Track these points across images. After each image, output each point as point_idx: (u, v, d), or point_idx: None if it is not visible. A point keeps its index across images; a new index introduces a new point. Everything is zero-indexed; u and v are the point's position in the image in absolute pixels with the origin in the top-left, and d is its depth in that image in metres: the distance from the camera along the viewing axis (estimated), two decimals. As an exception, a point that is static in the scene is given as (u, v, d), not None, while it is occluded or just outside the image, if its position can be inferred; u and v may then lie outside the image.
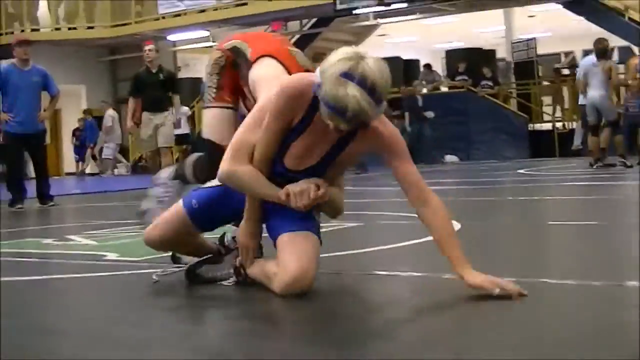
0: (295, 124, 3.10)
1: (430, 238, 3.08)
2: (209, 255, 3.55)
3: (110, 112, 20.24)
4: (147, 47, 10.80)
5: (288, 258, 3.11)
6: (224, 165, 3.16)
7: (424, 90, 19.84)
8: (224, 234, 3.56)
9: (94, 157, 21.21)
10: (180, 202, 3.49)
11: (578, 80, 12.29)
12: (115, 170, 20.57)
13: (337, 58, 2.85)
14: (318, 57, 11.90)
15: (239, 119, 3.59)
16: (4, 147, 9.71)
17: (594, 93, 11.58)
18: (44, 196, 9.68)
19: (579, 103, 12.91)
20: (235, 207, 3.34)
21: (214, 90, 3.66)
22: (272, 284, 3.15)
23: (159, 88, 10.65)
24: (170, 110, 10.65)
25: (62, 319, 3.10)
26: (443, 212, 3.03)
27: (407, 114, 18.05)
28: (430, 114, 18.15)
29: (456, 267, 2.89)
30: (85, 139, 21.01)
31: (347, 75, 2.78)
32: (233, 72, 3.65)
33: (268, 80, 3.38)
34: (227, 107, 3.67)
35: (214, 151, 3.54)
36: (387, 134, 3.04)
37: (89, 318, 3.09)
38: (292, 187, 3.11)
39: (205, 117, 3.76)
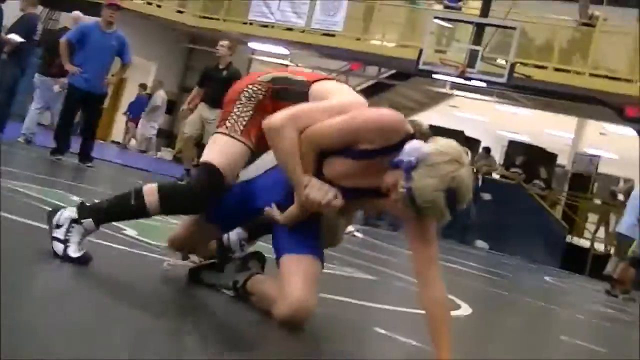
0: (362, 148, 3.06)
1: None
2: (211, 261, 3.54)
3: (161, 93, 20.39)
4: (220, 43, 10.97)
5: (290, 287, 3.08)
6: (278, 118, 3.09)
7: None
8: (224, 236, 3.55)
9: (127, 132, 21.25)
10: None
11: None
12: (159, 153, 20.70)
13: (443, 156, 2.87)
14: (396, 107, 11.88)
15: None
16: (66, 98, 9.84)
17: None
18: (85, 156, 9.77)
19: (616, 230, 12.78)
20: (251, 209, 3.32)
21: (244, 122, 3.29)
22: (271, 308, 3.13)
23: (220, 84, 10.73)
24: None
25: (63, 278, 3.11)
26: (443, 303, 3.00)
27: None
28: (486, 196, 18.07)
29: (438, 354, 2.86)
30: (132, 111, 21.10)
31: (444, 188, 2.84)
32: (274, 104, 3.28)
33: (340, 89, 3.29)
34: (248, 147, 3.30)
35: (215, 177, 3.23)
36: None
37: (87, 284, 3.10)
38: (316, 181, 3.09)
39: (221, 142, 3.31)
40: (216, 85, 10.77)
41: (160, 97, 20.31)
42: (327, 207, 3.09)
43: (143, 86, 21.05)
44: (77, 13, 11.87)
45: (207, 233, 3.51)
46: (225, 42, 11.00)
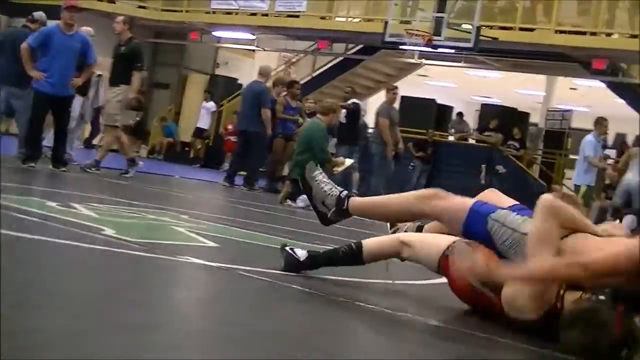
0: None
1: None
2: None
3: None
4: (115, 20, 10.99)
5: None
6: None
7: (451, 138, 19.82)
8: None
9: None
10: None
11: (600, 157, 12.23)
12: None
13: None
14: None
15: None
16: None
17: (634, 177, 11.40)
18: (58, 160, 9.73)
19: (574, 183, 12.96)
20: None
21: None
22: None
23: (120, 61, 10.68)
24: (122, 87, 10.53)
25: (45, 282, 3.13)
26: None
27: (483, 167, 17.85)
28: (501, 169, 18.10)
29: None
30: None
31: None
32: None
33: None
34: None
35: None
36: None
37: (68, 285, 3.12)
38: None
39: None
40: (116, 62, 10.73)
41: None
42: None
43: None
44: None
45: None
46: (119, 18, 11.02)
